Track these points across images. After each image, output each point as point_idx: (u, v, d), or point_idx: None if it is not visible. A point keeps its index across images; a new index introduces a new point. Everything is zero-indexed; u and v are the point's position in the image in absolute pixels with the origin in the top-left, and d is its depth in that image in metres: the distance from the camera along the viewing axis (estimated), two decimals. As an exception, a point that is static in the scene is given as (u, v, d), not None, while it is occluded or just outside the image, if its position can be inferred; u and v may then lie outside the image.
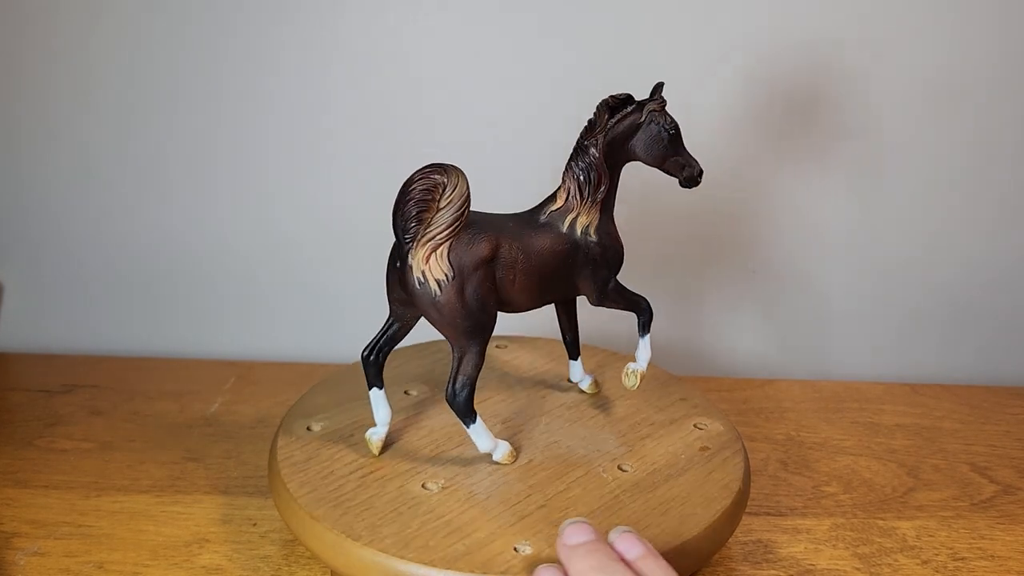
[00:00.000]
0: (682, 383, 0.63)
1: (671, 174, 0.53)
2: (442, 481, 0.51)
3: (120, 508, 0.58)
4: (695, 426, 0.57)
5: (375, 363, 0.53)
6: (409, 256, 0.48)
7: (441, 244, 0.48)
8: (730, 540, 0.54)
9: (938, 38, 0.73)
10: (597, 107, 0.51)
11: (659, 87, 0.53)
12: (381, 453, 0.53)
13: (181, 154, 0.77)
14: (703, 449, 0.55)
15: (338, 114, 0.75)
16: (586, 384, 0.62)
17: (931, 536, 0.58)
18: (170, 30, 0.73)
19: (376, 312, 0.81)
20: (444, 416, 0.58)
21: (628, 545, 0.42)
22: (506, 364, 0.65)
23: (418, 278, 0.48)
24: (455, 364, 0.50)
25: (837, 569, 0.55)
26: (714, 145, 0.76)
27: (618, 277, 0.55)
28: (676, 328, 0.82)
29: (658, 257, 0.80)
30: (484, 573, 0.44)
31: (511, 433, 0.56)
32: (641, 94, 0.53)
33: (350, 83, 0.74)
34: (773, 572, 0.54)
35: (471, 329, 0.49)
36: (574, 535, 0.42)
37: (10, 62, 0.74)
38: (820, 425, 0.72)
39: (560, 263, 0.52)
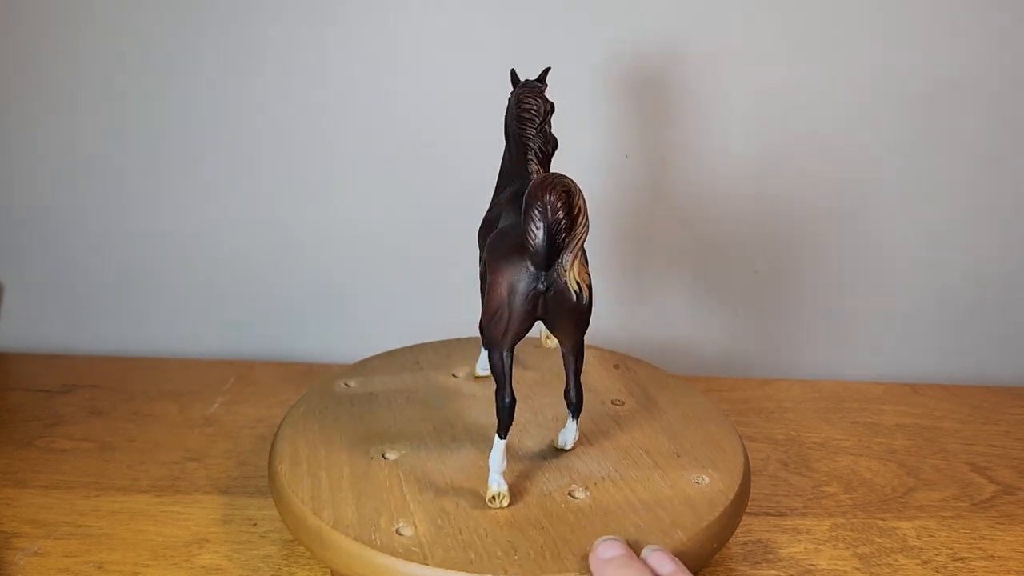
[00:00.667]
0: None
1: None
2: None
3: (120, 508, 0.58)
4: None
5: (512, 406, 0.49)
6: (559, 269, 0.46)
7: (581, 250, 0.47)
8: (730, 540, 0.53)
9: (937, 37, 0.73)
10: (541, 95, 0.54)
11: (546, 72, 0.55)
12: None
13: (182, 154, 0.77)
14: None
15: (339, 114, 0.75)
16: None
17: (931, 536, 0.58)
18: (169, 30, 0.73)
19: (376, 312, 0.81)
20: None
21: (659, 562, 0.43)
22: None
23: (574, 290, 0.47)
24: (576, 366, 0.51)
25: (837, 569, 0.55)
26: (716, 145, 0.76)
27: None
28: (677, 328, 0.82)
29: (660, 257, 0.80)
30: (486, 573, 0.44)
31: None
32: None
33: (350, 82, 0.74)
34: (773, 572, 0.54)
35: (584, 332, 0.50)
36: (607, 550, 0.43)
37: (8, 62, 0.74)
38: (820, 425, 0.72)
39: None
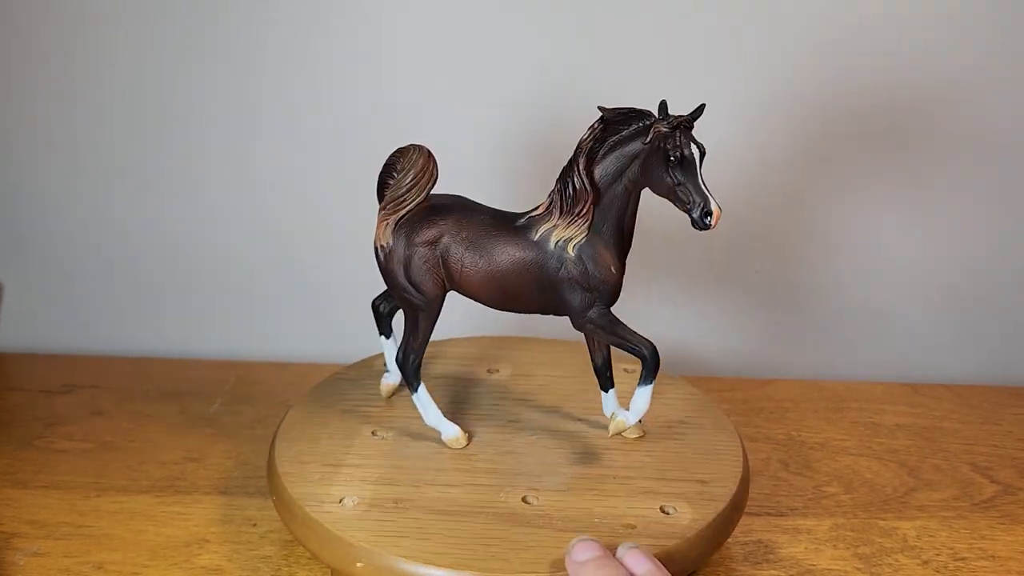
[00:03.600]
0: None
1: (679, 207, 0.48)
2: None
3: (120, 508, 0.58)
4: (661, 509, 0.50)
5: (385, 313, 0.59)
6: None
7: (389, 217, 0.52)
8: (730, 540, 0.53)
9: (938, 35, 0.73)
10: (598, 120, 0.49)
11: (664, 105, 0.48)
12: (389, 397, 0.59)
13: (182, 154, 0.77)
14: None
15: (338, 114, 0.75)
16: (611, 425, 0.54)
17: (932, 536, 0.58)
18: (167, 33, 0.73)
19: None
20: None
21: (636, 561, 0.43)
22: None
23: (373, 245, 0.53)
24: (404, 333, 0.55)
25: (838, 569, 0.55)
26: (716, 144, 0.76)
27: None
28: (677, 328, 0.82)
29: (661, 257, 0.80)
30: (486, 573, 0.44)
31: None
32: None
33: (350, 82, 0.74)
34: (773, 572, 0.54)
35: (411, 303, 0.53)
36: (583, 552, 0.43)
37: (8, 62, 0.74)
38: (820, 425, 0.72)
39: (522, 270, 0.51)
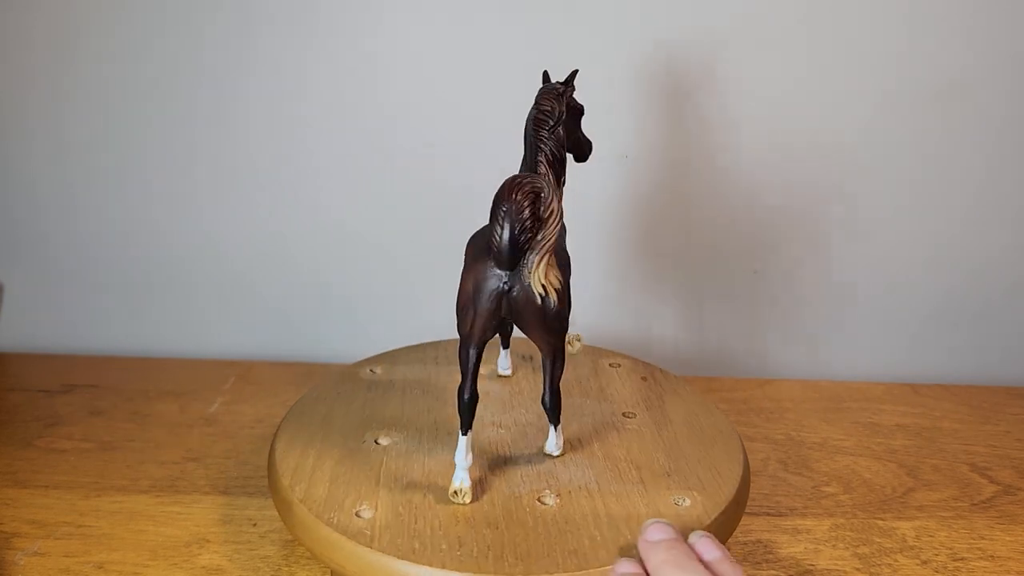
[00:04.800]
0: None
1: (577, 153, 0.56)
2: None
3: (120, 508, 0.58)
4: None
5: (472, 403, 0.49)
6: (523, 270, 0.46)
7: (549, 252, 0.46)
8: (730, 540, 0.53)
9: (942, 38, 0.73)
10: (558, 97, 0.53)
11: (547, 74, 0.55)
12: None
13: (182, 154, 0.77)
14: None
15: (339, 115, 0.75)
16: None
17: (931, 536, 0.58)
18: (166, 36, 0.73)
19: (376, 312, 0.81)
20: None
21: (706, 548, 0.44)
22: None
23: (539, 292, 0.46)
24: (551, 371, 0.50)
25: (837, 569, 0.55)
26: (716, 145, 0.76)
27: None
28: (677, 328, 0.82)
29: (660, 257, 0.80)
30: (487, 573, 0.44)
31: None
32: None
33: (350, 83, 0.74)
34: (773, 572, 0.54)
35: (563, 331, 0.49)
36: (655, 533, 0.44)
37: (7, 63, 0.74)
38: (820, 425, 0.72)
39: None
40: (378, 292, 0.81)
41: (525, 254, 0.45)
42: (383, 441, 0.55)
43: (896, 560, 0.56)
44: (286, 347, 0.82)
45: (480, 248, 0.47)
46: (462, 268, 0.48)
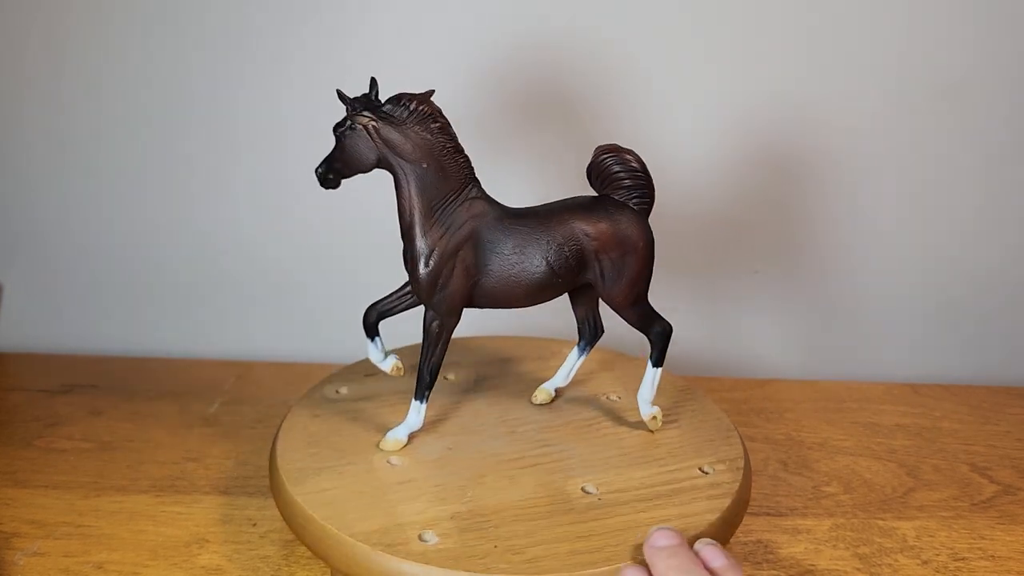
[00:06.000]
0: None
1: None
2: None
3: (120, 508, 0.58)
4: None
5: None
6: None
7: None
8: (730, 540, 0.53)
9: (941, 40, 0.73)
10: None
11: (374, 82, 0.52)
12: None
13: (181, 154, 0.77)
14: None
15: (338, 115, 0.75)
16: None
17: (931, 536, 0.58)
18: (163, 37, 0.73)
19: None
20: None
21: (711, 555, 0.44)
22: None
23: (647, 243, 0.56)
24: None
25: (837, 569, 0.55)
26: (716, 144, 0.76)
27: None
28: (677, 328, 0.82)
29: (660, 257, 0.79)
30: (486, 574, 0.44)
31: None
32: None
33: (351, 84, 0.74)
34: (773, 572, 0.54)
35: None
36: (661, 539, 0.45)
37: (6, 63, 0.74)
38: (820, 425, 0.72)
39: None
40: (378, 292, 0.81)
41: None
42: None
43: (896, 560, 0.56)
44: (286, 347, 0.82)
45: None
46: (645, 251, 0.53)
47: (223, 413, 0.70)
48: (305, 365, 0.78)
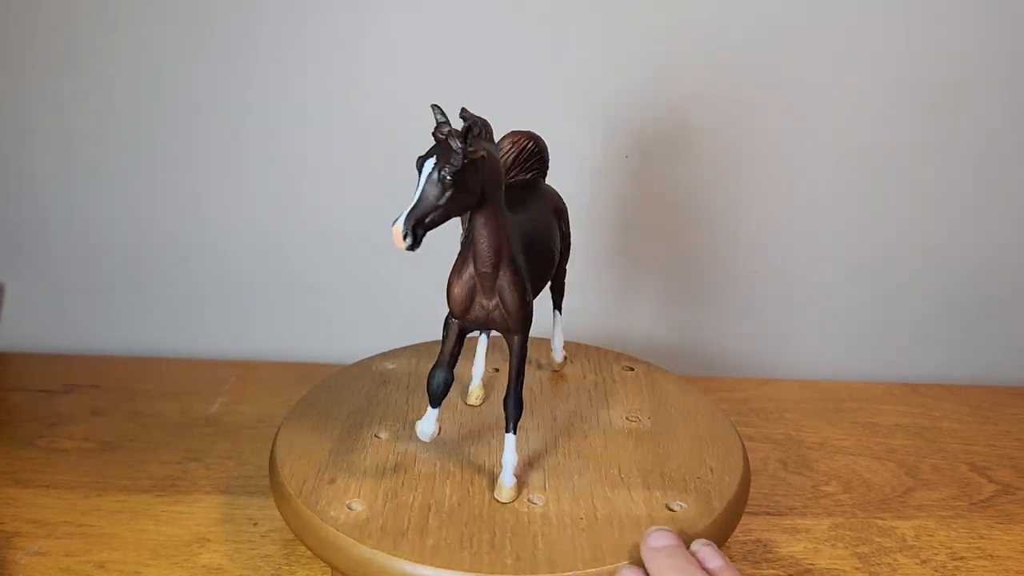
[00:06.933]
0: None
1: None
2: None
3: (121, 508, 0.59)
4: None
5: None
6: None
7: None
8: (730, 540, 0.53)
9: (940, 41, 0.73)
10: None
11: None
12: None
13: (182, 155, 0.77)
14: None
15: (338, 117, 0.75)
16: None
17: (930, 536, 0.59)
18: (163, 38, 0.73)
19: (376, 311, 0.81)
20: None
21: (708, 556, 0.44)
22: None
23: None
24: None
25: (837, 569, 0.55)
26: (715, 144, 0.76)
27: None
28: (677, 328, 0.82)
29: (660, 257, 0.80)
30: (487, 573, 0.44)
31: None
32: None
33: (351, 84, 0.74)
34: (773, 572, 0.55)
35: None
36: (658, 539, 0.45)
37: (6, 64, 0.74)
38: (820, 425, 0.72)
39: None
40: (378, 292, 0.81)
41: None
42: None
43: (895, 559, 0.56)
44: (286, 347, 0.82)
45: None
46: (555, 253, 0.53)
47: (224, 413, 0.71)
48: (305, 365, 0.79)
